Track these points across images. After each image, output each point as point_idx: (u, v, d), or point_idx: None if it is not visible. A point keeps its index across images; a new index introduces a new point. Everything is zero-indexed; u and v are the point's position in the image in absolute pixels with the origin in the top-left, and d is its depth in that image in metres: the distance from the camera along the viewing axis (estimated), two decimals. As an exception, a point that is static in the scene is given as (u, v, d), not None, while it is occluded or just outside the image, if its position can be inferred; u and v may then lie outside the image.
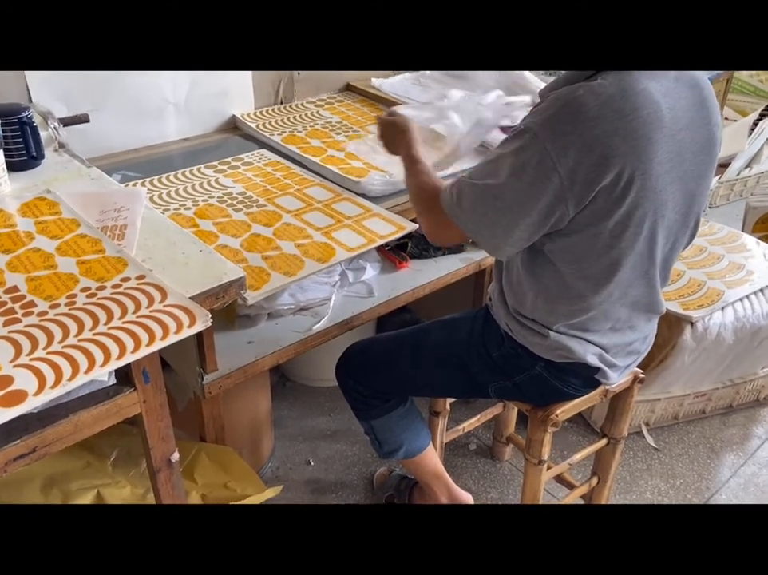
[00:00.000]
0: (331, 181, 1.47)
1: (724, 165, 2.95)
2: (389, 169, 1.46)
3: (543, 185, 0.94)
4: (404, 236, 1.38)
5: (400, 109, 1.43)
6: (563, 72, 1.05)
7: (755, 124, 2.92)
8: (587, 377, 1.18)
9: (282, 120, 1.72)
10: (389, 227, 1.32)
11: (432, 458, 1.45)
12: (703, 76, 1.04)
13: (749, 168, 3.05)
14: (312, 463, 1.76)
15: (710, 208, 3.00)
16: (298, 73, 1.81)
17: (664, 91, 0.95)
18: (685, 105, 0.98)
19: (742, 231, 2.25)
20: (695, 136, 1.00)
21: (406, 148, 1.21)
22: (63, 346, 0.78)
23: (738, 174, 3.03)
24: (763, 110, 3.03)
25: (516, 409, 1.67)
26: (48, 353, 0.77)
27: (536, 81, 1.83)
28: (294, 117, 1.75)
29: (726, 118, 2.97)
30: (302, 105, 1.83)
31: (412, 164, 1.19)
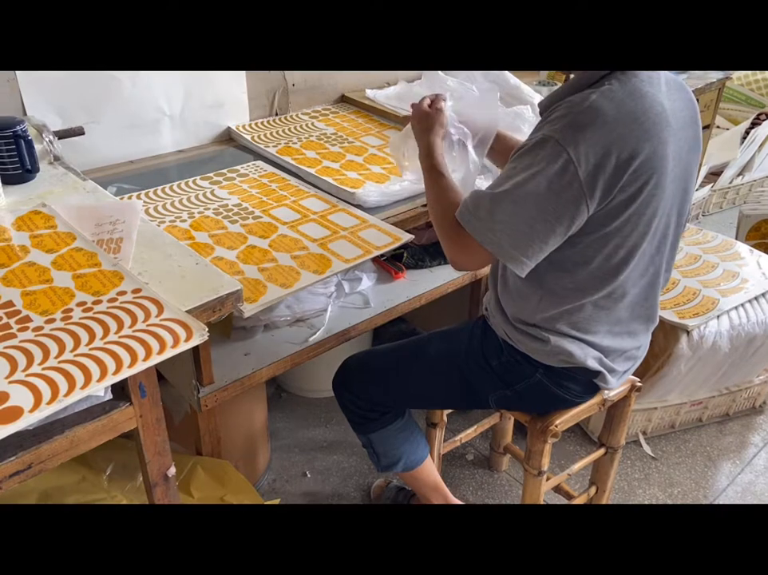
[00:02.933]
0: (327, 192, 1.47)
1: (717, 174, 2.97)
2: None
3: (566, 192, 0.94)
4: (400, 247, 1.38)
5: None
6: (552, 80, 1.07)
7: (747, 132, 2.94)
8: (586, 383, 1.18)
9: (277, 132, 1.73)
10: (386, 237, 1.32)
11: (430, 469, 1.44)
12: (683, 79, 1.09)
13: (741, 176, 3.07)
14: (309, 475, 1.75)
15: (703, 215, 3.02)
16: (293, 84, 1.82)
17: (662, 93, 0.99)
18: (679, 105, 1.03)
19: (736, 239, 2.26)
20: (688, 135, 1.05)
21: (429, 150, 1.15)
22: (59, 362, 0.77)
23: (730, 182, 3.05)
24: (755, 119, 3.06)
25: (513, 418, 1.66)
26: (44, 368, 0.76)
27: (530, 91, 1.84)
28: (289, 129, 1.75)
29: (719, 126, 3.00)
30: (297, 116, 1.84)
31: (436, 176, 1.13)
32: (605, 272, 1.05)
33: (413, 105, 1.25)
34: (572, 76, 1.11)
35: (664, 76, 1.02)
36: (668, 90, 1.01)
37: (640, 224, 1.01)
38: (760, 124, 2.98)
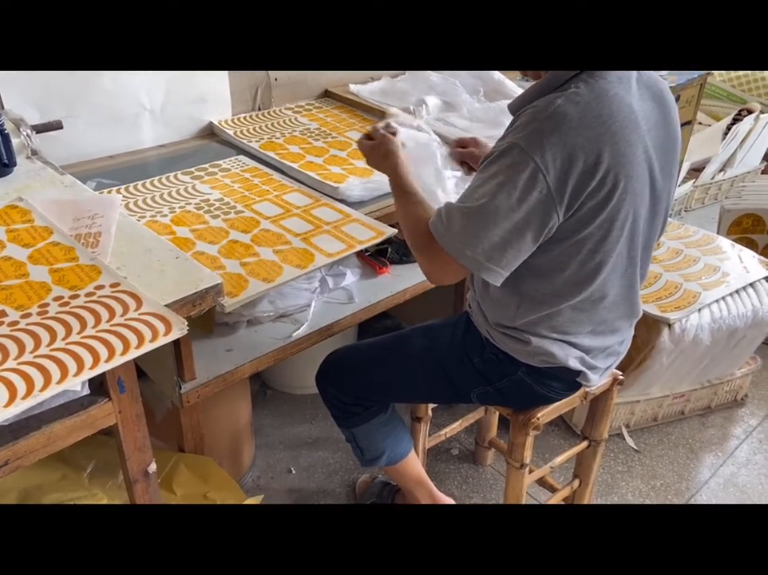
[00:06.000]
0: (310, 187, 1.46)
1: (698, 169, 3.00)
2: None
3: (535, 199, 0.93)
4: (384, 242, 1.38)
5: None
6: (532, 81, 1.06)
7: (728, 128, 2.97)
8: (569, 381, 1.18)
9: (260, 127, 1.71)
10: (369, 232, 1.32)
11: (414, 464, 1.44)
12: (658, 75, 1.07)
13: (723, 172, 3.10)
14: (294, 471, 1.75)
15: (685, 211, 3.05)
16: (276, 79, 1.80)
17: (632, 94, 0.98)
18: (650, 105, 1.02)
19: (717, 233, 2.28)
20: (660, 134, 1.03)
21: (394, 174, 1.15)
22: (35, 357, 0.76)
23: (712, 178, 3.07)
24: (736, 115, 3.08)
25: (498, 413, 1.67)
26: (19, 363, 0.75)
27: (513, 86, 1.85)
28: (272, 124, 1.74)
29: (700, 122, 3.02)
30: (280, 111, 1.83)
31: (404, 193, 1.12)
32: (581, 277, 1.05)
33: (359, 142, 1.23)
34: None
35: (636, 75, 1.00)
36: (639, 90, 1.00)
37: (614, 229, 1.00)
38: (741, 120, 3.00)
